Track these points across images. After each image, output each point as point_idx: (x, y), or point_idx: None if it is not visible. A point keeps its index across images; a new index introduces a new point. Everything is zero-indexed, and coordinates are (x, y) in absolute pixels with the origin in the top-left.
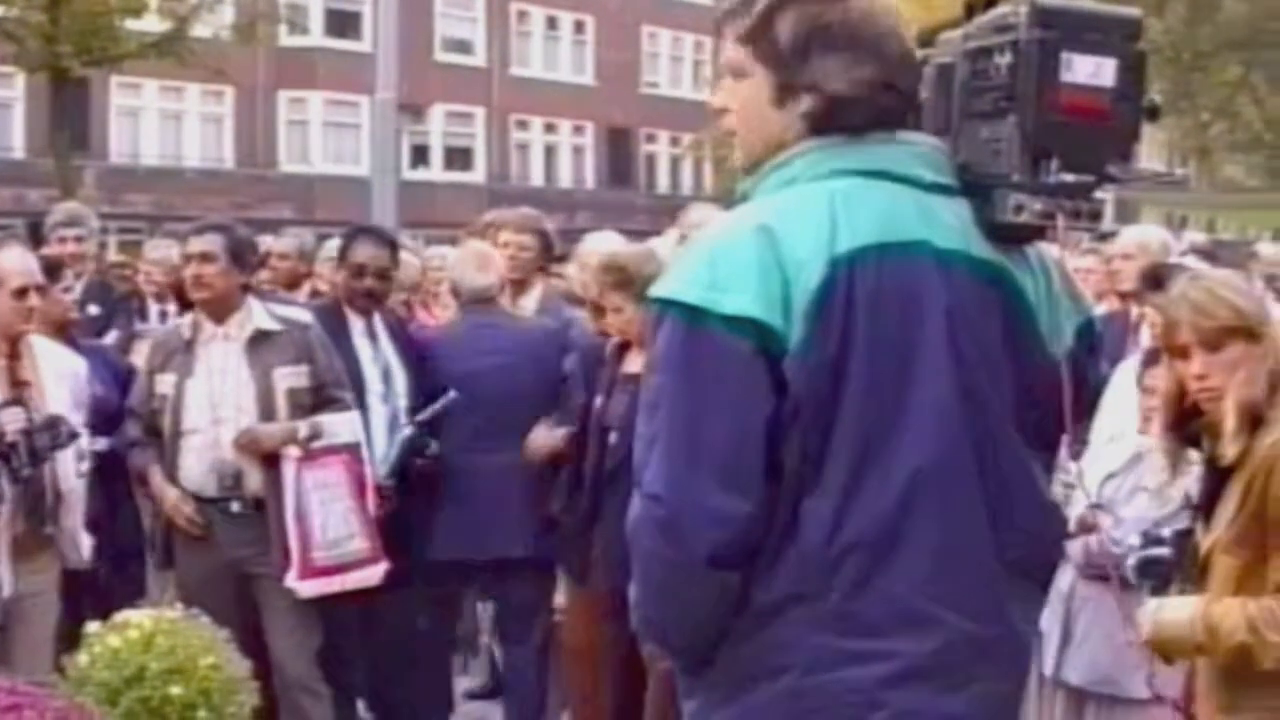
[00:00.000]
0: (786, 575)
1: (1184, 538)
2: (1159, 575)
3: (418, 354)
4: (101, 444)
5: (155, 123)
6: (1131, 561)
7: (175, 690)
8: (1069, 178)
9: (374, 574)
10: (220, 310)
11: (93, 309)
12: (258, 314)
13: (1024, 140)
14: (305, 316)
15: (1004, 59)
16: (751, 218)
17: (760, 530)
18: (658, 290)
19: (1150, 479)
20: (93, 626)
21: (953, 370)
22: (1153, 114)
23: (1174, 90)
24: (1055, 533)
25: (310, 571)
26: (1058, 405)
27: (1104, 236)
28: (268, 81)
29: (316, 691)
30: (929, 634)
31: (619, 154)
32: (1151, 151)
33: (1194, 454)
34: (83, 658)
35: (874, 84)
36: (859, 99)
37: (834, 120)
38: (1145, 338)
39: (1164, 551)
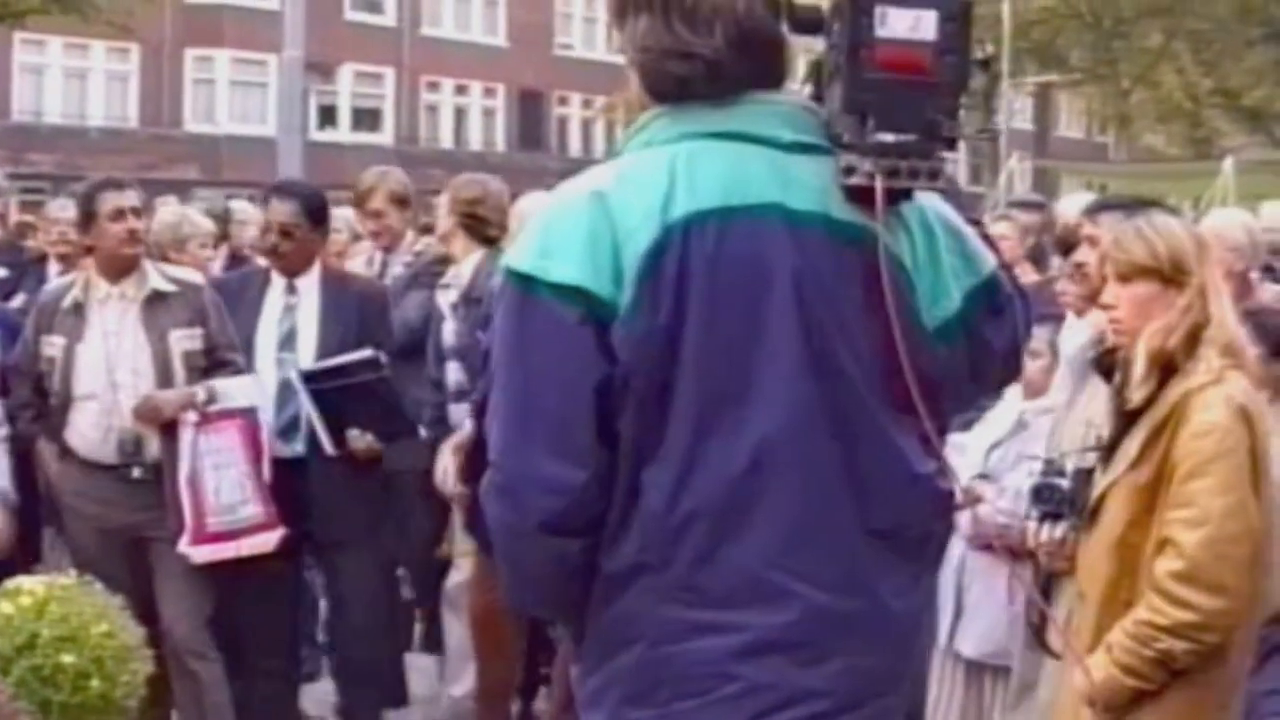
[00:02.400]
0: (631, 545)
1: (1086, 475)
2: (1052, 503)
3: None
4: None
5: (59, 80)
6: (1027, 485)
7: (68, 658)
8: (889, 137)
9: (268, 540)
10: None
11: (0, 271)
12: (152, 275)
13: (844, 100)
14: (197, 278)
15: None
16: (589, 184)
17: (598, 498)
18: (503, 258)
19: (1034, 446)
20: None
21: (803, 336)
22: (985, 66)
23: (1094, 57)
24: (926, 504)
25: (203, 537)
26: (939, 371)
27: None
28: (174, 39)
29: (205, 656)
30: (781, 607)
31: (531, 116)
32: (1071, 119)
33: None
34: None
35: (665, 52)
36: (650, 68)
37: (650, 87)
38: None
39: (1062, 482)
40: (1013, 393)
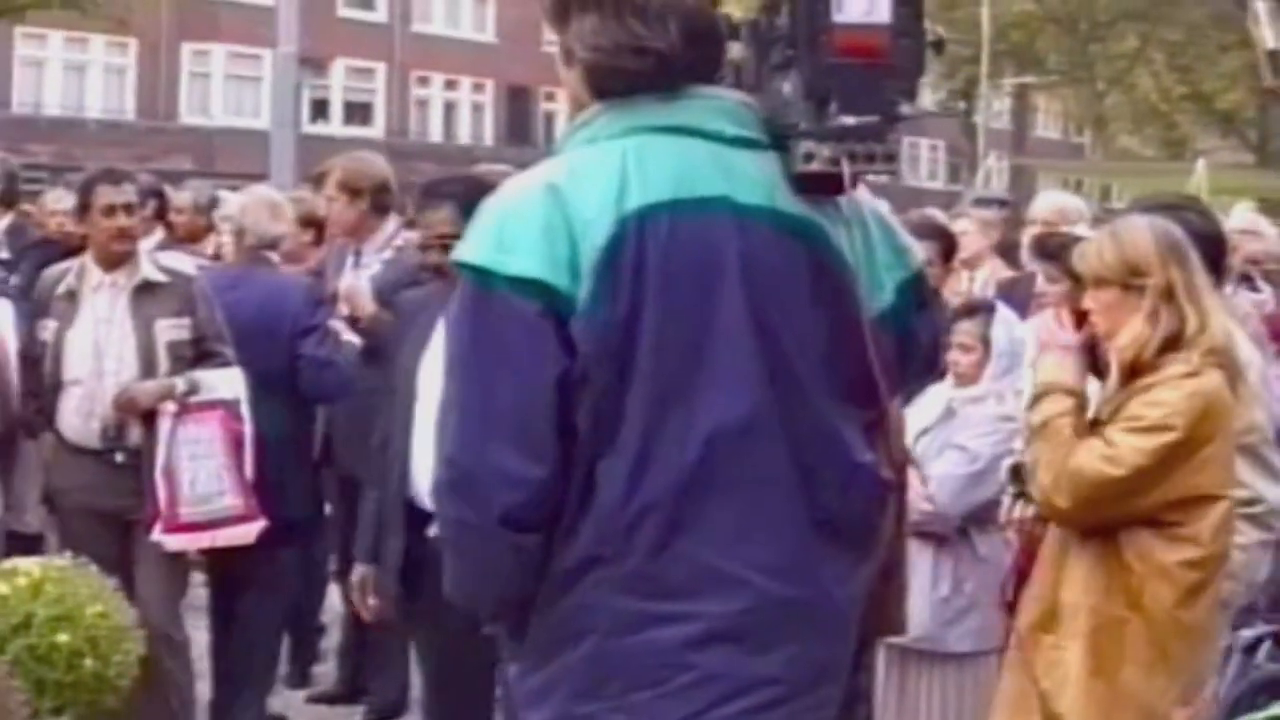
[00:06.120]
0: (586, 537)
1: None
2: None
3: None
4: None
5: (59, 73)
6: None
7: (62, 638)
8: (850, 120)
9: (247, 532)
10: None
11: (2, 253)
12: (145, 265)
13: (804, 86)
14: (189, 268)
15: (786, 7)
16: (542, 177)
17: (556, 493)
18: (455, 253)
19: (960, 435)
20: None
21: (752, 328)
22: (938, 47)
23: (1071, 60)
24: (868, 494)
25: (175, 526)
26: (877, 362)
27: (1000, 204)
28: (170, 33)
29: (173, 640)
30: (734, 595)
31: (519, 112)
32: (1048, 120)
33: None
34: None
35: (619, 48)
36: (601, 65)
37: (596, 85)
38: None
39: None
40: (942, 381)
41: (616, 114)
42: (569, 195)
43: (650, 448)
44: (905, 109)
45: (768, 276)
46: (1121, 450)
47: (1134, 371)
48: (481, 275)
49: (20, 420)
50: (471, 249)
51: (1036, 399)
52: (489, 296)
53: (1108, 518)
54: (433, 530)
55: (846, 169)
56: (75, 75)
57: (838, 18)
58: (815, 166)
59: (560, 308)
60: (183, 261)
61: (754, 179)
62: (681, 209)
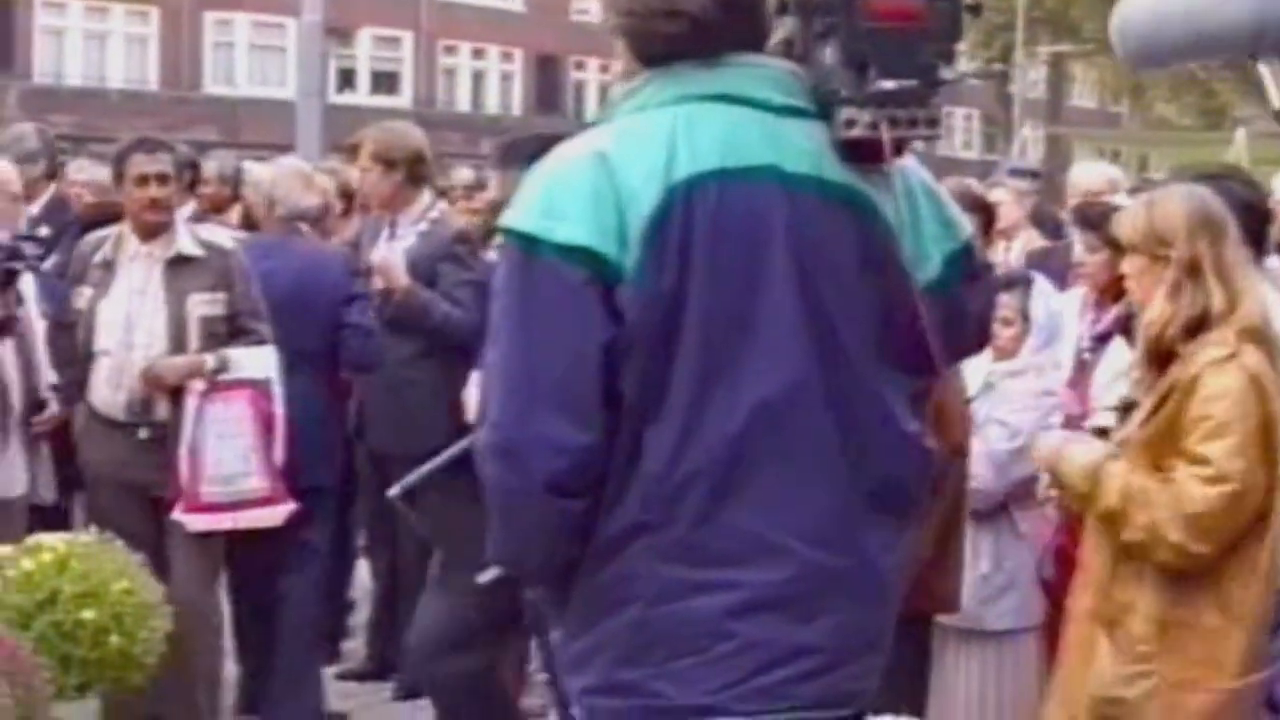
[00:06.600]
0: (631, 505)
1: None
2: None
3: None
4: None
5: (79, 42)
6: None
7: (88, 614)
8: (890, 84)
9: (273, 515)
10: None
11: (43, 230)
12: (182, 236)
13: (843, 52)
14: (227, 241)
15: None
16: (590, 144)
17: (601, 459)
18: (502, 219)
19: (1000, 409)
20: (4, 550)
21: (800, 297)
22: (974, 10)
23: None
24: (914, 464)
25: (196, 506)
26: (924, 331)
27: (1032, 175)
28: (193, 2)
29: (208, 617)
30: (778, 564)
31: (548, 81)
32: (1084, 89)
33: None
34: None
35: (651, 12)
36: (636, 29)
37: (637, 50)
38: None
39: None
40: (981, 355)
41: (663, 82)
42: (617, 163)
43: (697, 416)
44: (945, 73)
45: (815, 246)
46: (1217, 461)
47: (1162, 351)
48: (528, 242)
49: (55, 388)
50: (518, 215)
51: (1092, 493)
52: (535, 263)
53: (1243, 531)
54: None
55: (886, 134)
56: (96, 44)
57: None
58: (856, 132)
59: (607, 276)
60: (221, 234)
61: (802, 148)
62: (729, 178)
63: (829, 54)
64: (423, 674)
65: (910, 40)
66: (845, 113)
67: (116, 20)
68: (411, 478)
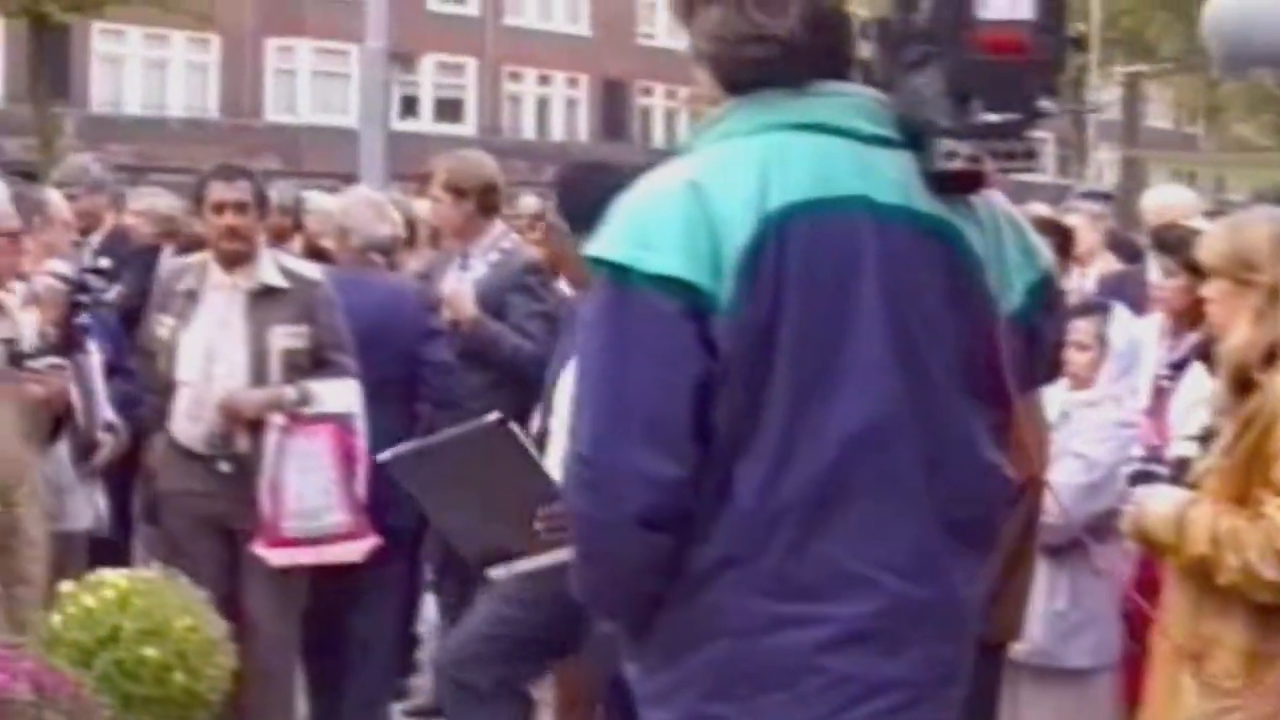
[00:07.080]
0: (720, 539)
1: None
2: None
3: None
4: None
5: (139, 71)
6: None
7: (150, 652)
8: (994, 117)
9: (355, 550)
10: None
11: (103, 261)
12: (266, 267)
13: (947, 83)
14: (314, 273)
15: (925, 3)
16: (681, 174)
17: (691, 493)
18: (590, 248)
19: (1077, 441)
20: (66, 586)
21: (889, 328)
22: (1079, 44)
23: (1185, 47)
24: (995, 494)
25: (278, 541)
26: (1000, 362)
27: (1104, 198)
28: (255, 29)
29: (285, 653)
30: (867, 597)
31: (614, 107)
32: (1161, 110)
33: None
34: (55, 617)
35: (740, 38)
36: (725, 56)
37: (725, 78)
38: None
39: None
40: (1057, 385)
41: (750, 110)
42: (710, 193)
43: (788, 449)
44: (1047, 105)
45: (905, 277)
46: None
47: (1244, 380)
48: (620, 272)
49: (110, 427)
50: (609, 245)
51: (1180, 543)
52: (628, 294)
53: None
54: None
55: (990, 167)
56: (156, 72)
57: (982, 14)
58: (957, 165)
59: (702, 306)
60: (307, 266)
61: (891, 178)
62: (821, 209)
63: (926, 83)
64: (445, 678)
65: (1016, 73)
66: (945, 145)
67: (177, 47)
68: (404, 448)
